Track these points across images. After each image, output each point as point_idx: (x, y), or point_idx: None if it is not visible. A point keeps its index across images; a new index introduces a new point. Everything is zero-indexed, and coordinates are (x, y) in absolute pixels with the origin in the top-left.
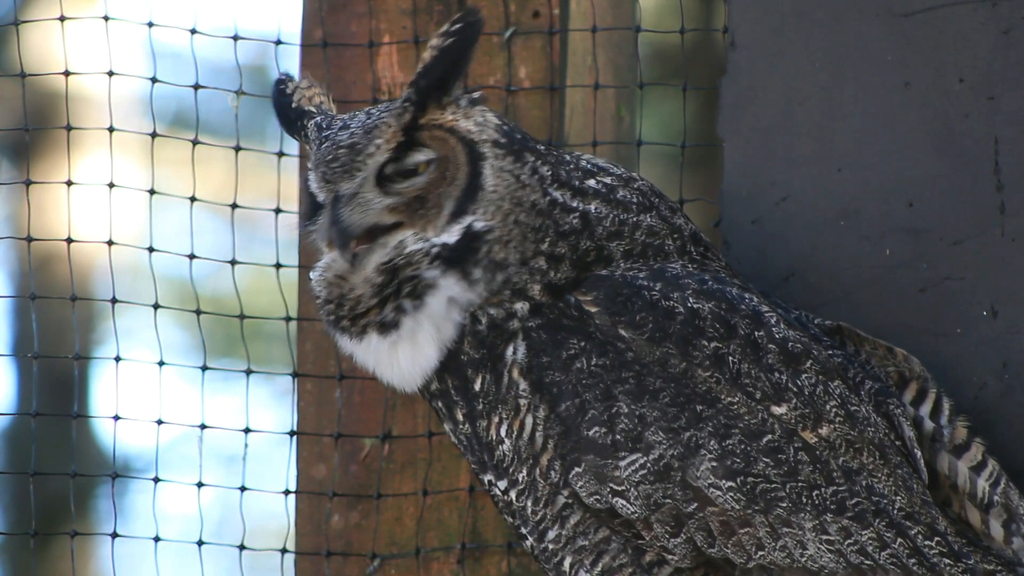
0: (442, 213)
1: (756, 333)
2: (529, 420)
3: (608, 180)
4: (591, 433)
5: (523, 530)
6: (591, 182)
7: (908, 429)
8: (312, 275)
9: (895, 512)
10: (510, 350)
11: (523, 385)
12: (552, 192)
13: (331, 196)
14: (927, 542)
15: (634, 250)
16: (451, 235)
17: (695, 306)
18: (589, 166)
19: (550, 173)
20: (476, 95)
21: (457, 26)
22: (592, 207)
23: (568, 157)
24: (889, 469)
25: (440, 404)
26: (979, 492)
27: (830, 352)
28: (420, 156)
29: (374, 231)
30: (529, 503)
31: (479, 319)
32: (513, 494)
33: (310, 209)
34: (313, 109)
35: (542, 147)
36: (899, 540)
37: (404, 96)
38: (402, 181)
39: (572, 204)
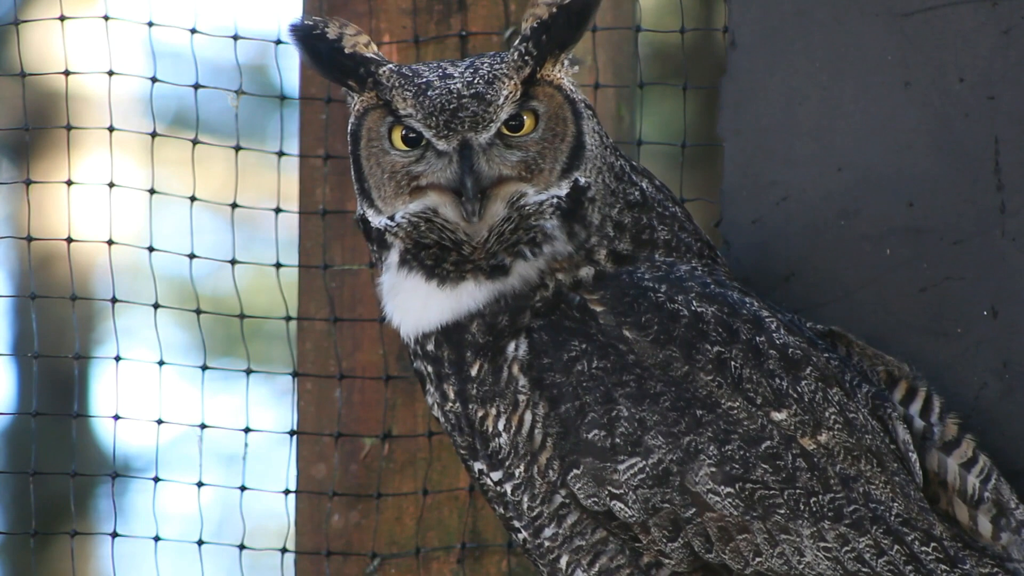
0: (555, 169)
1: (757, 338)
2: (528, 416)
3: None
4: (590, 436)
5: (516, 523)
6: (634, 163)
7: (903, 433)
8: (399, 216)
9: (892, 519)
10: (512, 346)
11: (523, 381)
12: (621, 160)
13: (458, 144)
14: (924, 548)
15: (672, 241)
16: (562, 189)
17: (699, 309)
18: None
19: (613, 144)
20: (573, 55)
21: None
22: (644, 184)
23: None
24: (886, 476)
25: (429, 369)
26: (969, 488)
27: (827, 356)
28: (540, 109)
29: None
30: (525, 499)
31: (547, 284)
32: (508, 487)
33: (388, 149)
34: (374, 56)
35: None
36: (896, 547)
37: (521, 50)
38: (515, 135)
39: (634, 177)
